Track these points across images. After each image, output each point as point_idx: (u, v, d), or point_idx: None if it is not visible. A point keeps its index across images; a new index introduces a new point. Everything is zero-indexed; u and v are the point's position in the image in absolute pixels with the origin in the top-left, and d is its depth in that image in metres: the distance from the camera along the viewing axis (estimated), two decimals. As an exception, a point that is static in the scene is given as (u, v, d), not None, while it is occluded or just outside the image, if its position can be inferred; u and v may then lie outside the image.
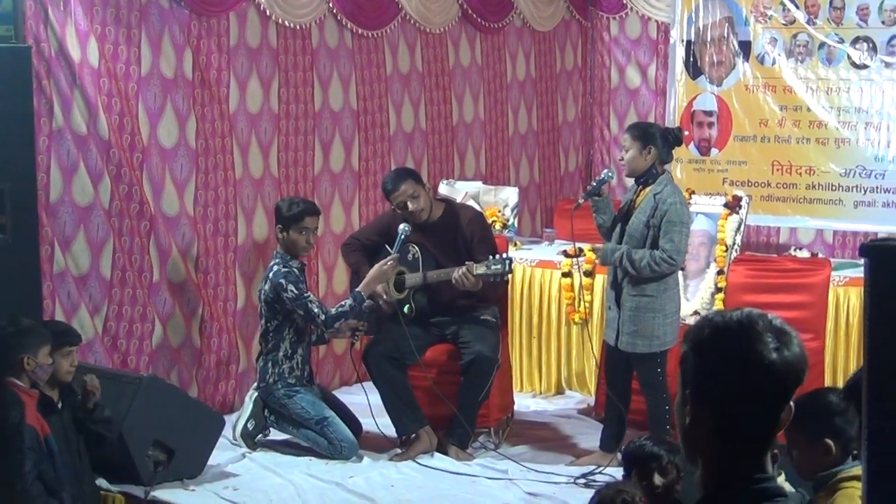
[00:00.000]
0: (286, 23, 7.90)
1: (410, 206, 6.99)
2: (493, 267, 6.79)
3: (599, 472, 6.57)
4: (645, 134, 6.62)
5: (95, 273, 6.96)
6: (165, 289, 7.28)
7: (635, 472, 4.57)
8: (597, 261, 7.41)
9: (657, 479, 4.53)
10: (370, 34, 8.54)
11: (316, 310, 6.84)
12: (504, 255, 6.95)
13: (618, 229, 6.66)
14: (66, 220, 6.81)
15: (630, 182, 6.88)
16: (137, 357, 7.13)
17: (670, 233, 6.44)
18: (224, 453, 6.77)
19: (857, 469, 3.51)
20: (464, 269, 6.80)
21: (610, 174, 6.95)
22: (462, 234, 7.08)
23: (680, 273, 6.86)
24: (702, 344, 2.25)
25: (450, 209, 7.25)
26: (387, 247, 7.03)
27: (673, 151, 6.72)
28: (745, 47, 9.29)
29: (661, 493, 4.51)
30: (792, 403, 2.25)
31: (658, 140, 6.58)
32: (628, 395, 6.83)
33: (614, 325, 6.67)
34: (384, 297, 7.01)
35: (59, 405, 5.67)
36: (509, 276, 7.08)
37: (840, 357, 7.52)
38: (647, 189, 6.58)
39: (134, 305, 7.11)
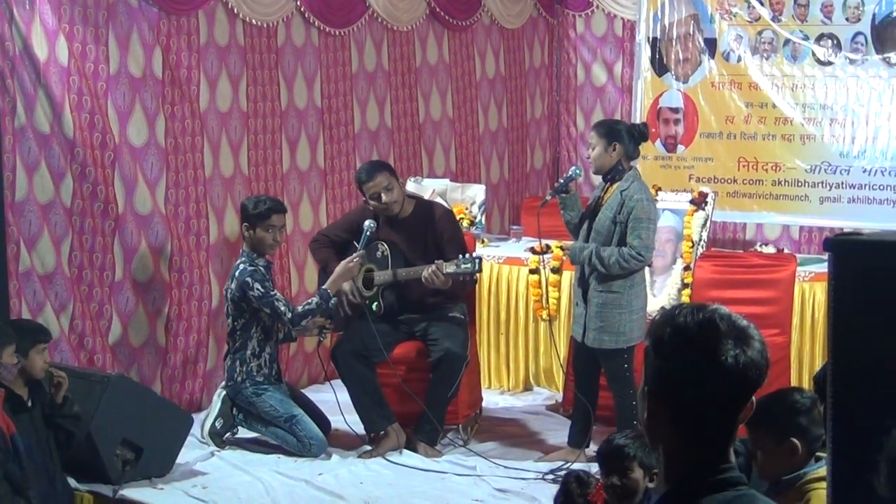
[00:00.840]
0: (253, 21, 7.88)
1: (384, 197, 6.98)
2: (462, 266, 6.79)
3: (567, 468, 6.57)
4: (610, 131, 6.64)
5: (61, 272, 6.92)
6: (129, 287, 7.24)
7: (609, 470, 4.52)
8: (565, 258, 7.42)
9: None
10: (337, 32, 8.53)
11: (282, 308, 6.83)
12: (474, 255, 6.97)
13: (585, 226, 6.68)
14: (32, 219, 6.77)
15: (598, 179, 6.91)
16: (104, 355, 7.10)
17: (637, 229, 6.47)
18: (192, 452, 6.76)
19: (825, 470, 3.53)
20: (433, 267, 6.81)
21: (578, 171, 6.98)
22: (434, 230, 7.08)
23: (647, 269, 6.88)
24: (662, 344, 2.23)
25: (421, 205, 7.25)
26: (355, 244, 7.03)
27: (640, 148, 6.76)
28: (711, 44, 9.32)
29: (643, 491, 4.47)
30: (754, 399, 2.24)
31: (624, 137, 6.60)
32: (596, 390, 6.85)
33: (581, 321, 6.69)
34: (349, 296, 7.02)
35: (30, 403, 5.65)
36: (479, 275, 7.10)
37: (806, 352, 7.58)
38: (614, 186, 6.60)
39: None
